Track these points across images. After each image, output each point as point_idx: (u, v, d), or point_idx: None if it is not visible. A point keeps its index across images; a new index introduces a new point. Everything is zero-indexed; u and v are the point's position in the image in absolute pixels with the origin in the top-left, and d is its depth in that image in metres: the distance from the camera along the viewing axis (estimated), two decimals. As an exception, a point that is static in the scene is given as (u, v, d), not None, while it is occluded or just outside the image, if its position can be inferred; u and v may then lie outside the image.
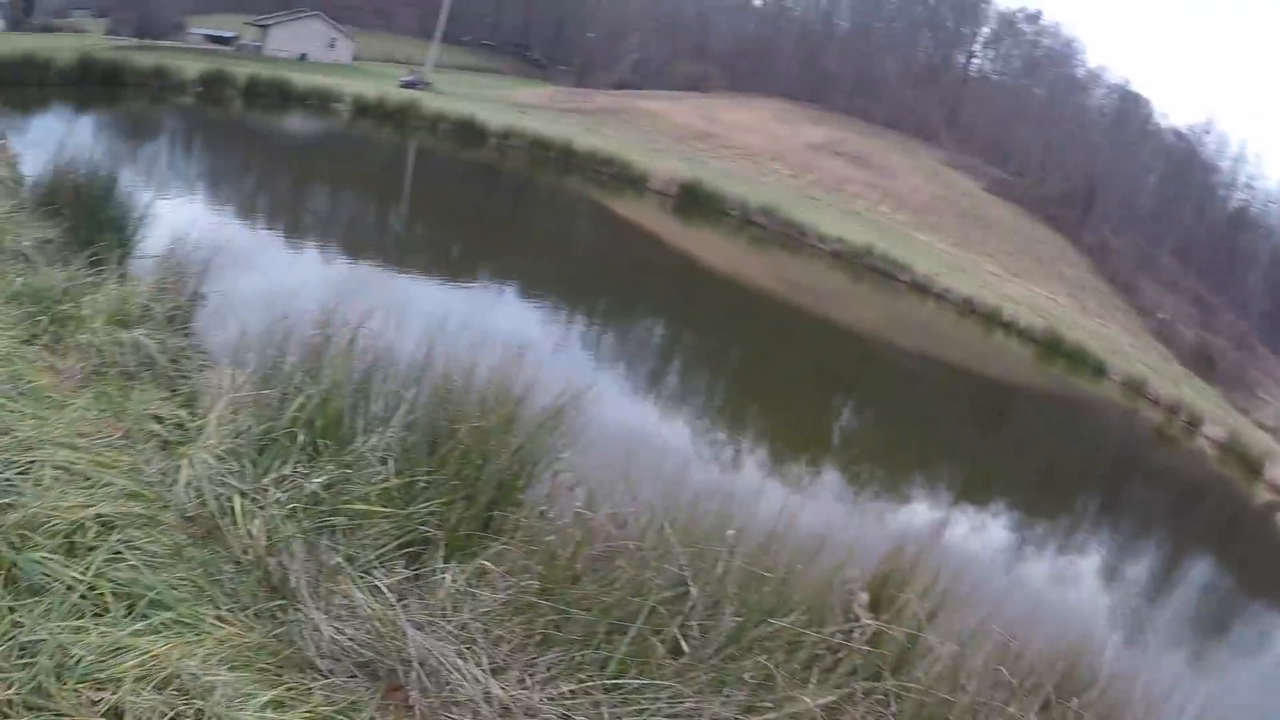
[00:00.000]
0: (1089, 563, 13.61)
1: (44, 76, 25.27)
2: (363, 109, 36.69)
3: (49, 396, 5.16)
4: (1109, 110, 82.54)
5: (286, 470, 4.56)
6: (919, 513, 11.36)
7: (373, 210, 23.24)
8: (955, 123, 76.20)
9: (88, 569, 3.40)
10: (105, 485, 4.15)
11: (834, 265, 33.34)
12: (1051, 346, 32.37)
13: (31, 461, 4.10)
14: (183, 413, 5.62)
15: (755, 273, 29.26)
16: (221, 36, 59.78)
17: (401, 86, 45.78)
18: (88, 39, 42.65)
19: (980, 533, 11.87)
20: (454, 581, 4.02)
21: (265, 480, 4.51)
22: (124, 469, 4.45)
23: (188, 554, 3.93)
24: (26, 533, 3.48)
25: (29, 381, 5.19)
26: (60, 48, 29.31)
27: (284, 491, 4.42)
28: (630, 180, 36.19)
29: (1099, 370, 31.98)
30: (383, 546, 4.27)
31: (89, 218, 8.81)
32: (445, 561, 4.23)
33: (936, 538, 5.24)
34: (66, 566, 3.38)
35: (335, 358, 5.40)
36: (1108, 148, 73.41)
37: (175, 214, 10.27)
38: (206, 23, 63.86)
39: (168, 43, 46.66)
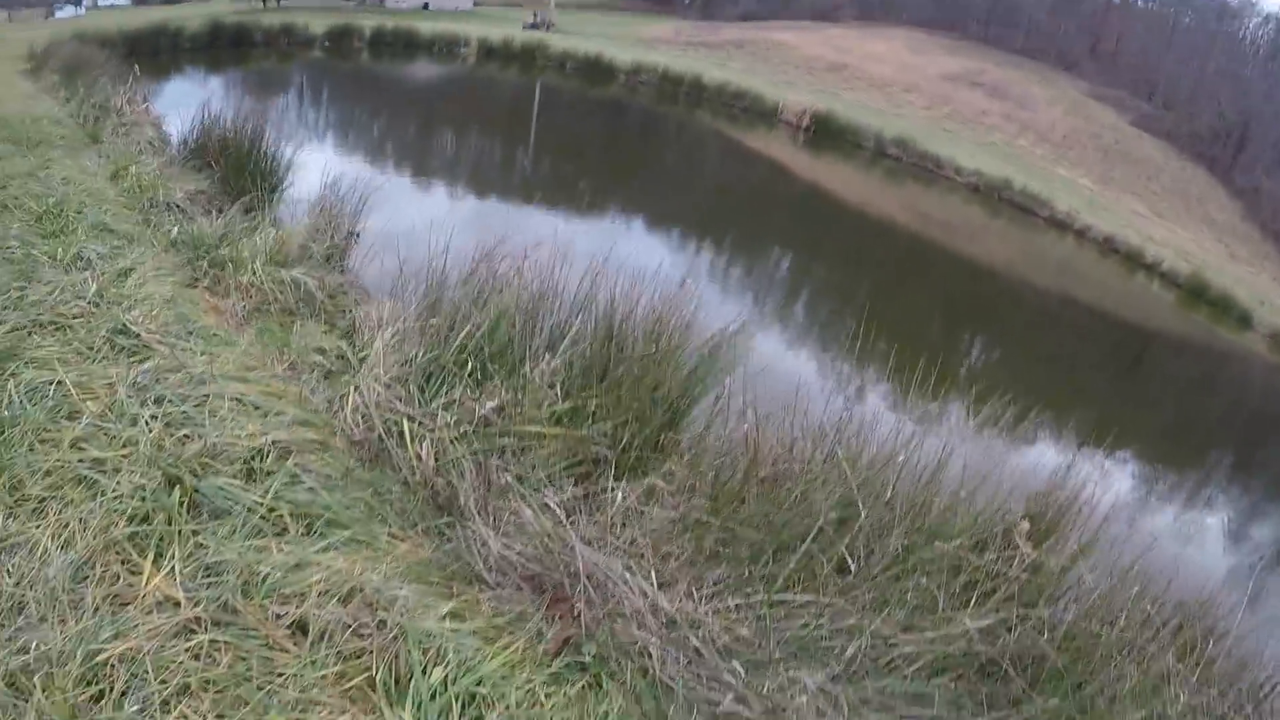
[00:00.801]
0: (1218, 520, 12.90)
1: (176, 43, 26.33)
2: (488, 52, 37.08)
3: (215, 335, 5.32)
4: (1264, 42, 76.94)
5: (455, 395, 4.65)
6: (1054, 456, 10.97)
7: (508, 149, 23.32)
8: (1098, 52, 72.22)
9: (267, 492, 3.53)
10: (277, 414, 4.29)
11: (970, 199, 32.12)
12: (1195, 292, 30.19)
13: (206, 395, 4.24)
14: (343, 345, 5.78)
15: (889, 207, 28.41)
16: (343, -9, 60.73)
17: (526, 29, 45.73)
18: (213, 6, 43.89)
19: (1111, 480, 11.40)
20: (624, 500, 4.11)
21: (434, 405, 4.62)
22: (292, 399, 4.59)
23: (357, 476, 4.05)
24: (207, 460, 3.60)
25: (196, 322, 5.35)
26: (188, 15, 30.29)
27: (452, 415, 4.50)
28: (762, 114, 35.43)
29: (1244, 320, 29.90)
30: (552, 467, 4.35)
31: (237, 170, 9.07)
32: (615, 481, 4.29)
33: (1084, 479, 5.06)
34: (246, 490, 3.51)
35: (501, 287, 5.45)
36: (1262, 82, 67.86)
37: (320, 161, 10.41)
38: (327, -21, 64.92)
39: (290, 2, 47.50)
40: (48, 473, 3.50)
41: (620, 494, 4.13)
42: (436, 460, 4.25)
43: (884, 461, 4.36)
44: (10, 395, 3.99)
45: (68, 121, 12.20)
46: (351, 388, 4.76)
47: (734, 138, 32.57)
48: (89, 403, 4.02)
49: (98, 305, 5.18)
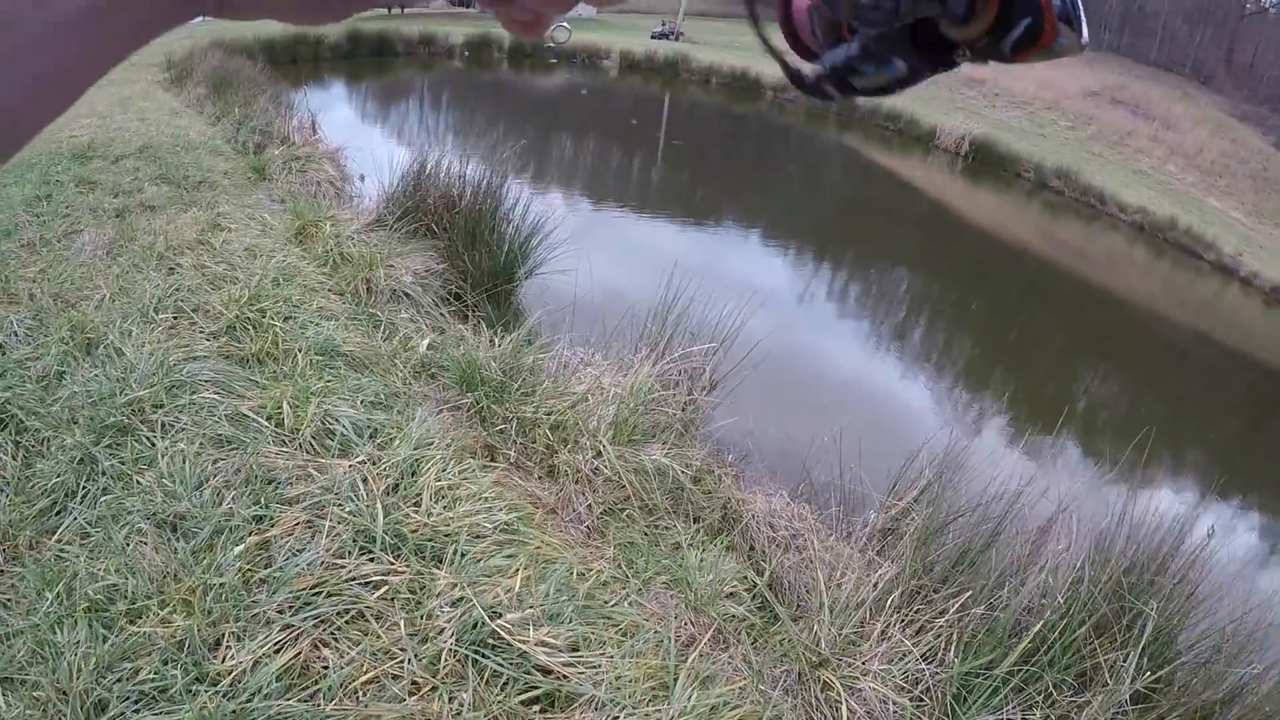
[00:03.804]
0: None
1: (317, 52, 24.80)
2: (630, 64, 35.09)
3: (599, 596, 3.17)
4: None
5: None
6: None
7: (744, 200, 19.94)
8: (1234, 64, 68.37)
9: None
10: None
11: (1134, 239, 28.69)
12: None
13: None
14: (753, 575, 3.91)
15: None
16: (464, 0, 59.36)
17: (653, 38, 43.48)
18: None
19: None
20: None
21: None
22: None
23: None
24: None
25: (569, 580, 3.17)
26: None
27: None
28: (917, 137, 32.43)
29: None
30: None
31: (469, 238, 6.85)
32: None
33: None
34: None
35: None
36: None
37: (577, 223, 7.97)
38: (445, -14, 63.75)
39: (414, 10, 46.30)
40: None
41: None
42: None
43: None
44: None
45: (225, 149, 10.16)
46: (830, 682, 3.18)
47: (896, 171, 29.12)
48: None
49: (399, 549, 3.05)
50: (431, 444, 3.69)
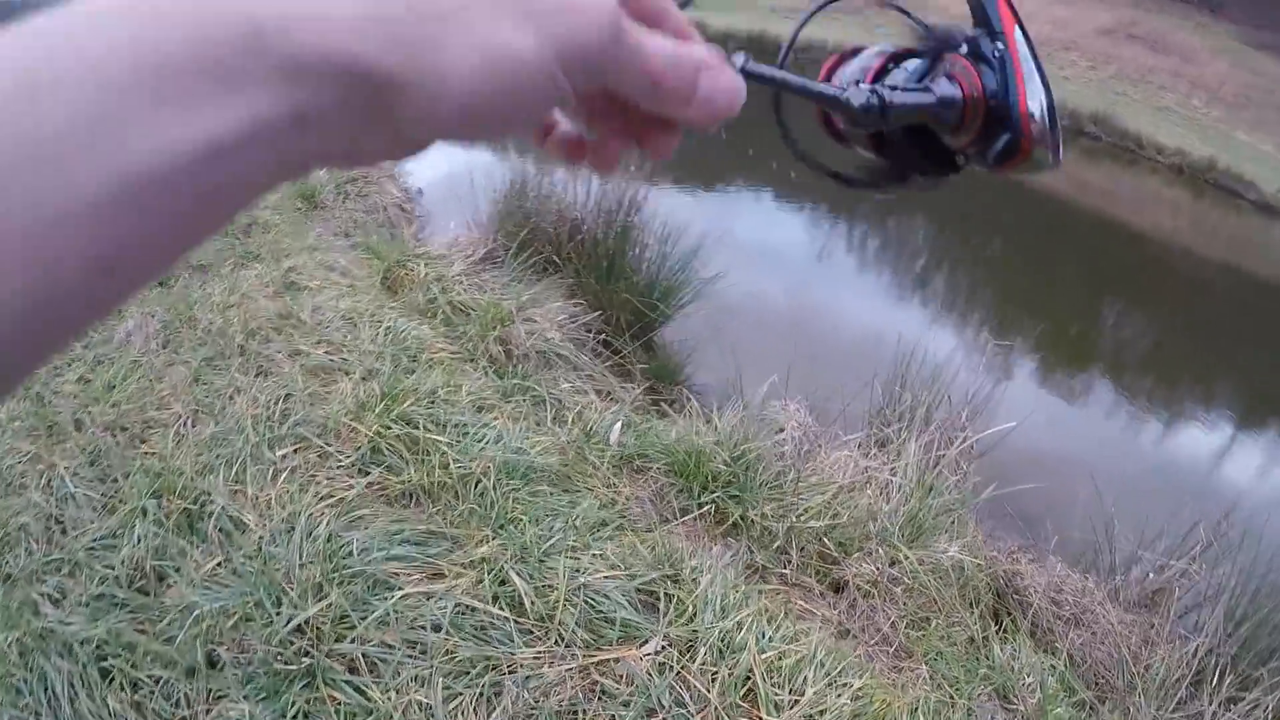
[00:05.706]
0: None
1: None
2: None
3: None
4: None
5: None
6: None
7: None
8: (1240, -12, 66.99)
9: None
10: None
11: (1173, 182, 27.53)
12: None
13: None
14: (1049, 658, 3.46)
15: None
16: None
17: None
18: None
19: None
20: None
21: None
22: None
23: None
24: None
25: None
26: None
27: None
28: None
29: None
30: None
31: (607, 269, 5.84)
32: None
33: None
34: None
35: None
36: None
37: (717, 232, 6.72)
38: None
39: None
40: None
41: None
42: None
43: None
44: None
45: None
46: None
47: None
48: None
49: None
50: (736, 604, 2.75)
